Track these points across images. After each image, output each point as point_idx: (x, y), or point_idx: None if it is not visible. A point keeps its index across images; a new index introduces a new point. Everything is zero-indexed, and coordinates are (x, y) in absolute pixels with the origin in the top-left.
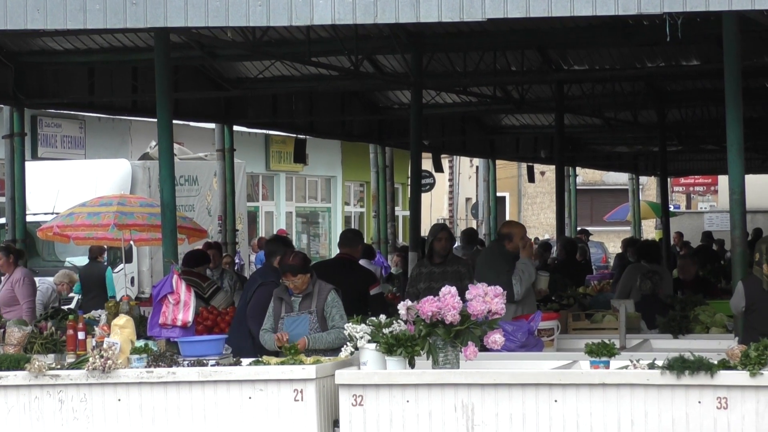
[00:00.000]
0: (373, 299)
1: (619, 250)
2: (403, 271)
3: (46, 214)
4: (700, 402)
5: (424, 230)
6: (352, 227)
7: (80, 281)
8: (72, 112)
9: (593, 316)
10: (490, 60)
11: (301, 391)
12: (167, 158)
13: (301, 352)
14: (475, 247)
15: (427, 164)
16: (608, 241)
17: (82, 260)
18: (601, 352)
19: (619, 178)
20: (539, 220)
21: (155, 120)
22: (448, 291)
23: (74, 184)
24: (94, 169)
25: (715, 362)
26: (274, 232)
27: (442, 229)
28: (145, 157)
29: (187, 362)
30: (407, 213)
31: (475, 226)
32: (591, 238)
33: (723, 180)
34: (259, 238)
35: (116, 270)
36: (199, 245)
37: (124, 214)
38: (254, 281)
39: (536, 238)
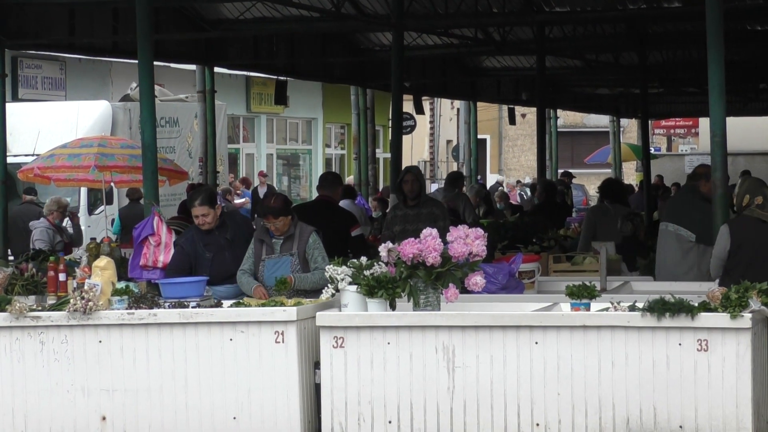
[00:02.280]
0: (353, 240)
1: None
2: (382, 214)
3: (26, 155)
4: (680, 344)
5: None
6: (333, 170)
7: (120, 221)
8: (52, 54)
9: (574, 259)
10: (471, 1)
11: (282, 333)
12: (148, 100)
13: (290, 287)
14: (456, 190)
15: (408, 106)
16: (589, 183)
17: None
18: (582, 294)
19: (600, 121)
20: (520, 162)
21: (136, 61)
22: (429, 233)
23: (55, 125)
24: (75, 111)
25: (696, 304)
26: (256, 175)
27: (407, 171)
28: (126, 98)
29: (168, 304)
30: (388, 155)
31: (456, 169)
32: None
33: (704, 122)
34: (242, 178)
35: (96, 212)
36: (182, 187)
37: (104, 155)
38: None
39: (518, 181)
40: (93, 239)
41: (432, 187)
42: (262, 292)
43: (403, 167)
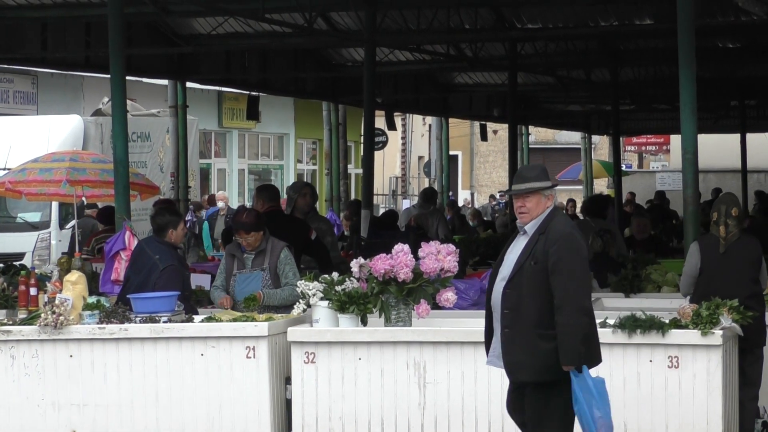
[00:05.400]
0: (314, 244)
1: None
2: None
3: None
4: (651, 361)
5: (377, 188)
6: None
7: None
8: (24, 68)
9: None
10: (443, 18)
11: (254, 348)
12: (120, 114)
13: (259, 304)
14: (432, 206)
15: (380, 122)
16: (560, 199)
17: (34, 216)
18: None
19: (571, 137)
20: (491, 178)
21: (108, 76)
22: (401, 249)
23: (26, 139)
24: (47, 125)
25: (667, 321)
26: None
27: (305, 185)
28: (98, 113)
29: (139, 318)
30: (360, 171)
31: (428, 185)
32: None
33: (675, 139)
34: (210, 195)
35: (67, 226)
36: (151, 202)
37: (76, 170)
38: (151, 263)
39: (492, 196)
40: (64, 254)
41: (404, 204)
42: (226, 302)
43: (377, 183)
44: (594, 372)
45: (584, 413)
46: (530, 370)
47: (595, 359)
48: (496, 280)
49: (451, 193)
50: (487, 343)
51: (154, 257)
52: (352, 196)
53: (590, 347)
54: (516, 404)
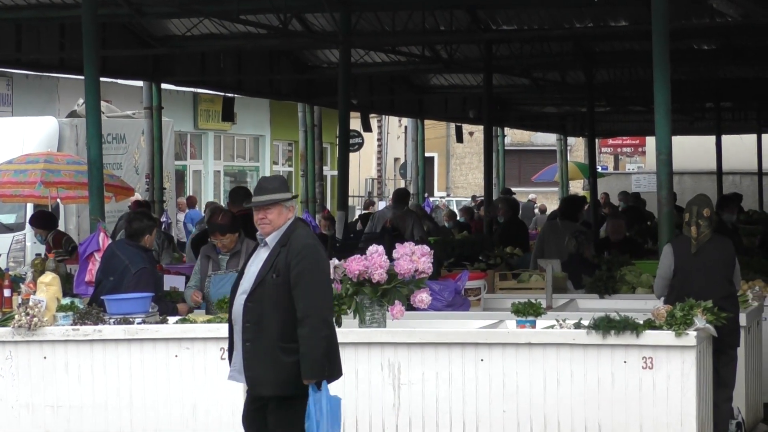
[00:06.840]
0: None
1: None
2: (332, 233)
3: None
4: (625, 362)
5: (353, 190)
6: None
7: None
8: None
9: (520, 276)
10: (418, 19)
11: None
12: (95, 116)
13: None
14: (405, 207)
15: (355, 124)
16: (540, 202)
17: (9, 218)
18: (528, 312)
19: (547, 139)
20: (467, 180)
21: (83, 77)
22: (375, 250)
23: (1, 141)
24: (21, 127)
25: (641, 322)
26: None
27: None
28: (73, 114)
29: (113, 320)
30: (335, 173)
31: (403, 186)
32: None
33: (651, 141)
34: (188, 197)
35: None
36: (125, 203)
37: (50, 171)
38: (123, 267)
39: (473, 196)
40: (38, 255)
41: (380, 205)
42: (196, 299)
43: (352, 185)
44: (567, 373)
45: (312, 430)
46: (272, 385)
47: (337, 373)
48: (237, 293)
49: (426, 195)
50: (230, 356)
51: (125, 261)
52: (328, 198)
53: (332, 361)
54: (252, 419)
